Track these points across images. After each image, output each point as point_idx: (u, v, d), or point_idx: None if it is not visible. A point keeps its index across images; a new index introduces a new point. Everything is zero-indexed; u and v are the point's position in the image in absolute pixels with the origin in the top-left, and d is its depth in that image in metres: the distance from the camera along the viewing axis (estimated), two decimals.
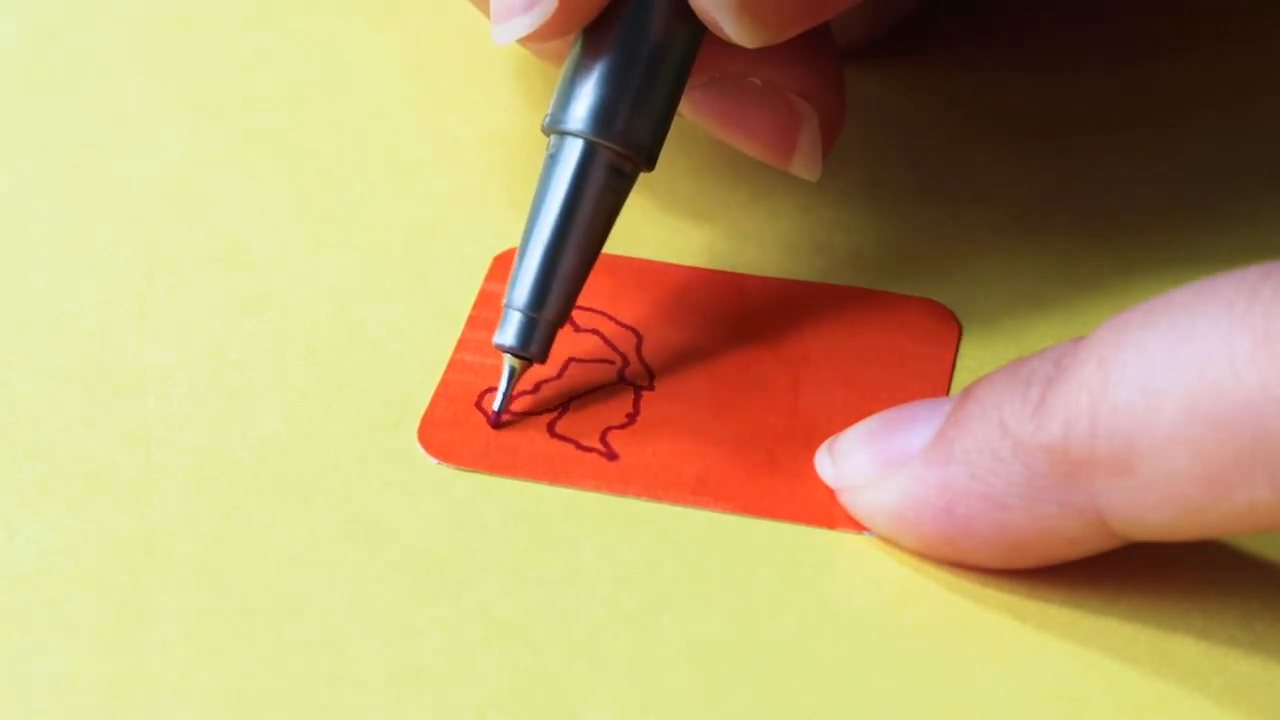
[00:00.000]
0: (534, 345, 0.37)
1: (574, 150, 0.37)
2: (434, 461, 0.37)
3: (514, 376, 0.38)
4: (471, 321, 0.40)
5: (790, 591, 0.35)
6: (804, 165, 0.40)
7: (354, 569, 0.35)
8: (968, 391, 0.34)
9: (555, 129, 0.37)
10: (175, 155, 0.44)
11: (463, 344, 0.39)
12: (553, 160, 0.37)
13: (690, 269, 0.41)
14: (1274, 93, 0.45)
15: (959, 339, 0.39)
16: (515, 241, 0.41)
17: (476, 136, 0.44)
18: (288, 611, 0.34)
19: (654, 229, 0.42)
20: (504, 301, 0.37)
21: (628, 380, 0.39)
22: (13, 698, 0.33)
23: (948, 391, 0.38)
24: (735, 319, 0.40)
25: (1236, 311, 0.31)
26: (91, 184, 0.43)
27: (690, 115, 0.40)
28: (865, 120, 0.44)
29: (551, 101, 0.38)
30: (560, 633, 0.34)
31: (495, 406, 0.38)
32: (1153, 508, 0.32)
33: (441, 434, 0.37)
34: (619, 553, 0.35)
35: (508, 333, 0.37)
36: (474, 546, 0.36)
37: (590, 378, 0.39)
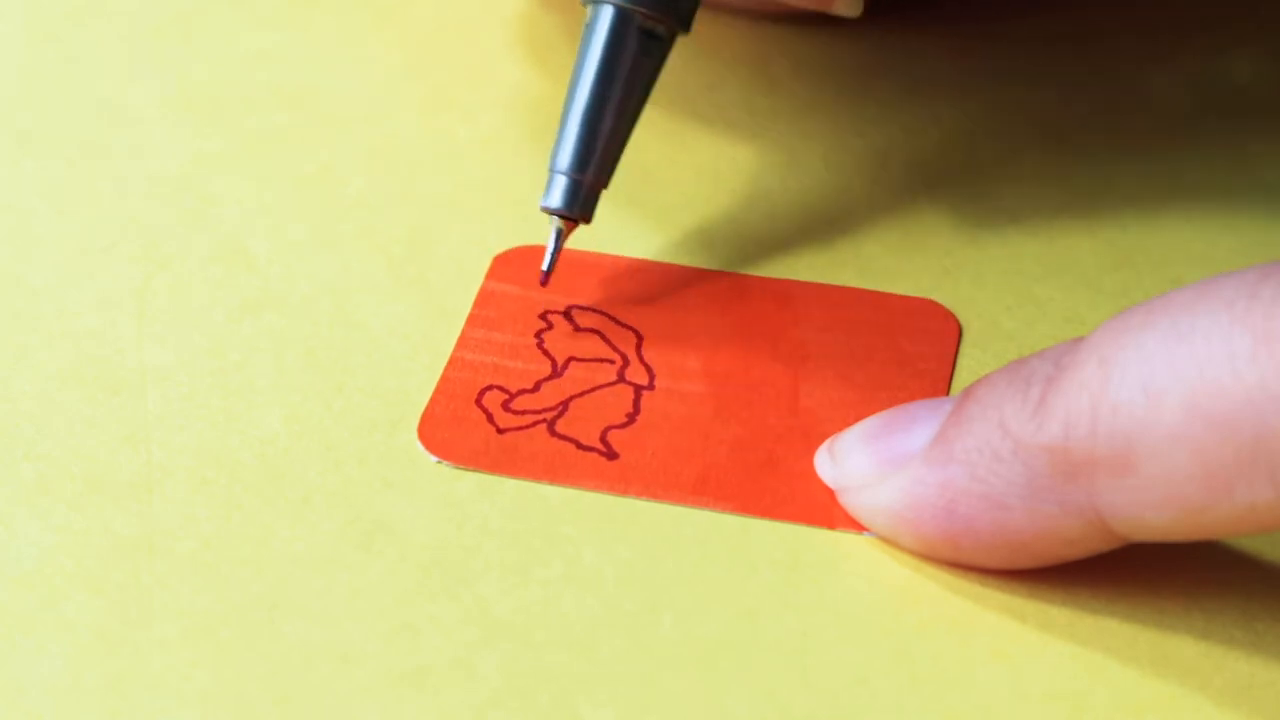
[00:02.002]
0: (578, 206, 0.39)
1: (606, 17, 0.39)
2: (434, 459, 0.37)
3: (561, 237, 0.39)
4: (472, 320, 0.40)
5: (790, 591, 0.35)
6: (846, 3, 0.41)
7: (354, 569, 0.35)
8: (968, 391, 0.34)
9: None
10: (175, 155, 0.44)
11: (463, 342, 0.39)
12: (588, 29, 0.39)
13: (690, 269, 0.41)
14: (1277, 91, 0.45)
15: (959, 339, 0.39)
16: (515, 242, 0.41)
17: (476, 136, 0.44)
18: (288, 611, 0.34)
19: (654, 229, 0.42)
20: (548, 166, 0.39)
21: (628, 379, 0.39)
22: (13, 698, 0.33)
23: (948, 391, 0.38)
24: (735, 319, 0.40)
25: (1237, 311, 0.31)
26: (91, 184, 0.43)
27: None
28: (865, 119, 0.44)
29: None
30: (560, 633, 0.34)
31: (544, 266, 0.39)
32: (1153, 507, 0.32)
33: (442, 432, 0.37)
34: (619, 553, 0.35)
35: (554, 196, 0.39)
36: (474, 546, 0.36)
37: (590, 378, 0.39)
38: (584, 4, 0.39)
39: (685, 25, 0.39)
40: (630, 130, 0.39)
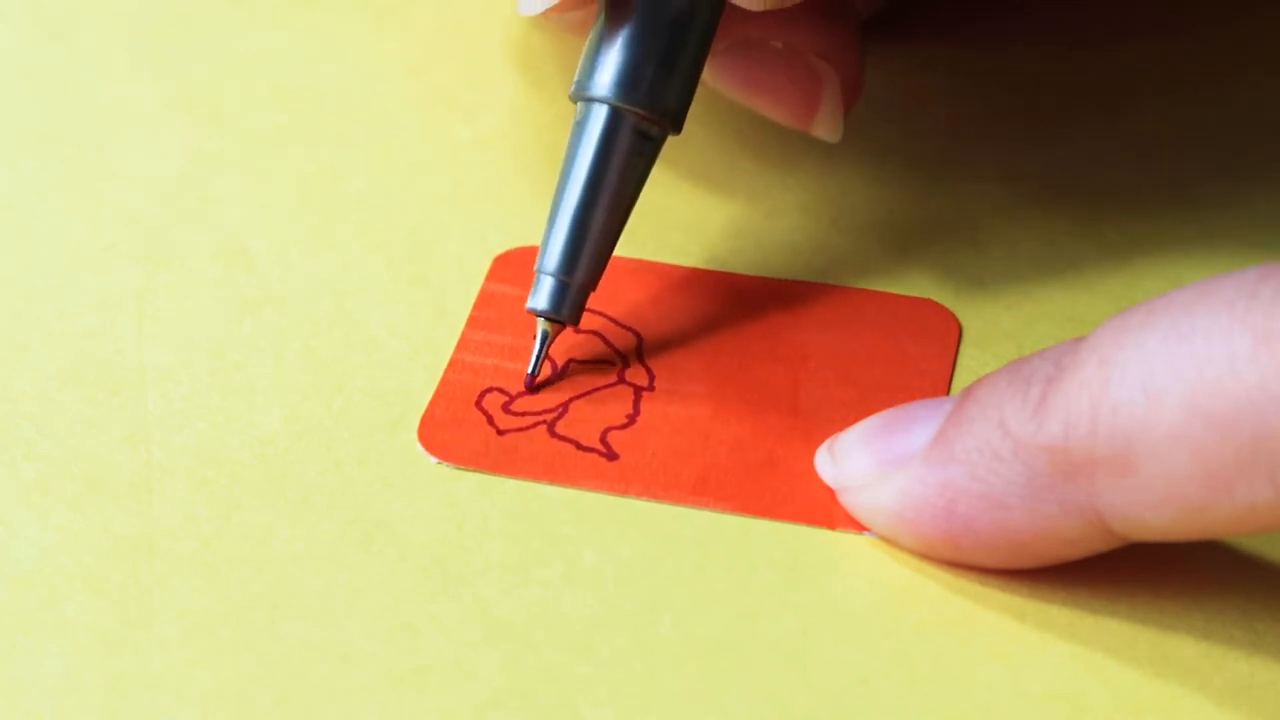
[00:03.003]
0: (566, 309, 0.38)
1: (600, 116, 0.38)
2: (434, 461, 0.37)
3: (547, 340, 0.38)
4: (472, 321, 0.40)
5: (790, 591, 0.35)
6: (825, 127, 0.41)
7: (354, 569, 0.35)
8: (968, 391, 0.34)
9: (581, 96, 0.38)
10: (175, 155, 0.44)
11: (463, 344, 0.39)
12: (580, 127, 0.38)
13: (690, 269, 0.41)
14: (1278, 91, 0.45)
15: (959, 339, 0.39)
16: (515, 242, 0.41)
17: (476, 136, 0.44)
18: (288, 611, 0.34)
19: (654, 229, 0.42)
20: (535, 267, 0.38)
21: (628, 380, 0.39)
22: (13, 698, 0.33)
23: (948, 391, 0.38)
24: (735, 319, 0.40)
25: (1237, 311, 0.31)
26: (91, 184, 0.43)
27: (713, 81, 0.40)
28: (865, 119, 0.44)
29: (578, 69, 0.38)
30: (560, 633, 0.34)
31: (530, 369, 0.38)
32: (1153, 507, 0.32)
33: (442, 433, 0.37)
34: (619, 553, 0.35)
35: (540, 297, 0.38)
36: (474, 546, 0.36)
37: (590, 378, 0.39)
38: (574, 100, 0.38)
39: (677, 126, 0.38)
40: (620, 230, 0.38)
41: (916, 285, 0.41)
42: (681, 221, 0.42)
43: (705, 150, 0.44)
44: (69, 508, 0.36)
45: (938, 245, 0.42)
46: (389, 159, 0.44)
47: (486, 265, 0.41)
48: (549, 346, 0.38)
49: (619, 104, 0.38)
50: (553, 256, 0.38)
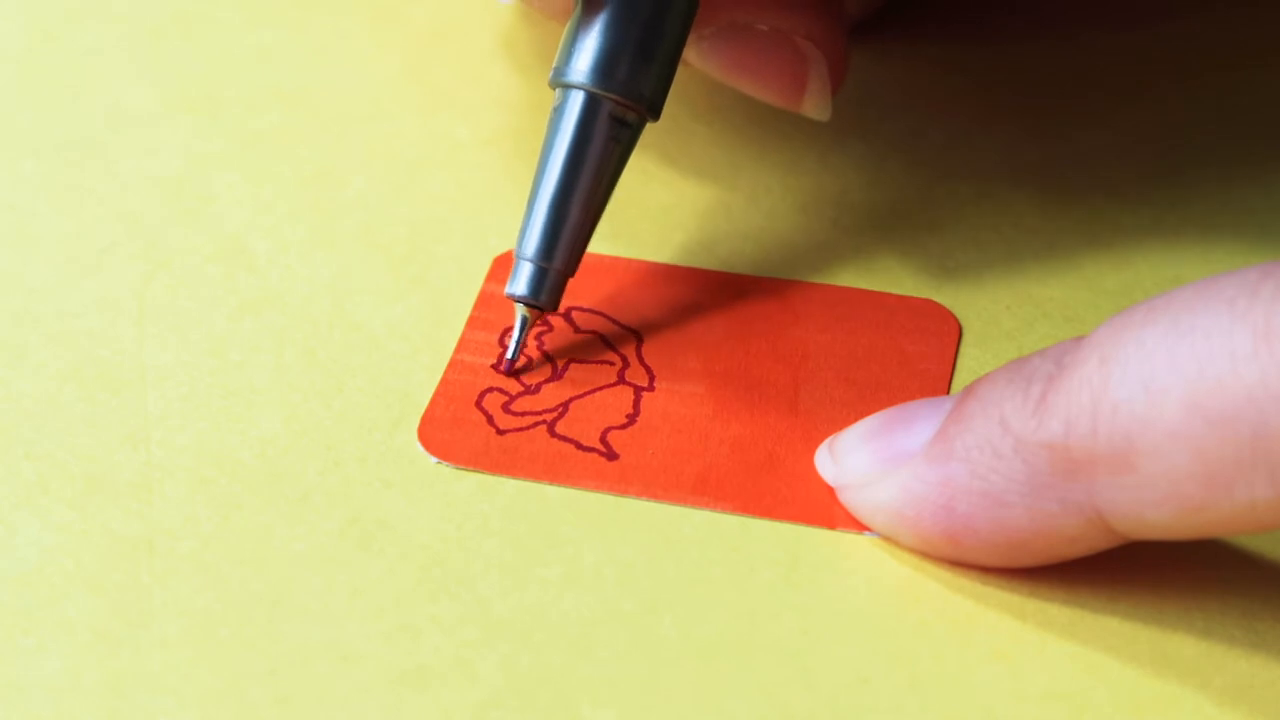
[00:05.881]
0: (544, 294, 0.38)
1: (576, 102, 0.38)
2: (434, 461, 0.37)
3: (526, 326, 0.39)
4: (472, 322, 0.40)
5: (790, 591, 0.35)
6: (814, 107, 0.41)
7: (354, 569, 0.35)
8: (969, 389, 0.34)
9: (559, 82, 0.38)
10: (175, 155, 0.44)
11: (463, 344, 0.39)
12: (557, 113, 0.38)
13: (690, 269, 0.41)
14: (1277, 91, 0.45)
15: (959, 339, 0.39)
16: (515, 242, 0.41)
17: (476, 136, 0.44)
18: (288, 611, 0.34)
19: (654, 229, 0.42)
20: (514, 252, 0.38)
21: (628, 380, 0.39)
22: (13, 698, 0.33)
23: (948, 391, 0.38)
24: (735, 319, 0.40)
25: (1237, 309, 0.31)
26: (91, 184, 0.43)
27: (700, 65, 0.41)
28: (865, 118, 0.44)
29: (556, 56, 0.38)
30: (560, 633, 0.34)
31: (509, 354, 0.39)
32: (1153, 506, 0.32)
33: (442, 433, 0.37)
34: (619, 553, 0.35)
35: (519, 283, 0.38)
36: (474, 546, 0.36)
37: (590, 378, 0.39)
38: (552, 87, 0.39)
39: (655, 113, 0.39)
40: (599, 216, 0.38)
41: (916, 285, 0.41)
42: (682, 221, 0.42)
43: (706, 150, 0.44)
44: (69, 508, 0.36)
45: (938, 245, 0.42)
46: (389, 159, 0.44)
47: (486, 265, 0.41)
48: (529, 332, 0.39)
49: (596, 90, 0.38)
50: (531, 242, 0.38)
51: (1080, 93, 0.45)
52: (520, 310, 0.39)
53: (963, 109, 0.45)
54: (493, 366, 0.39)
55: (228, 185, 0.43)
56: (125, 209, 0.42)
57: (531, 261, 0.38)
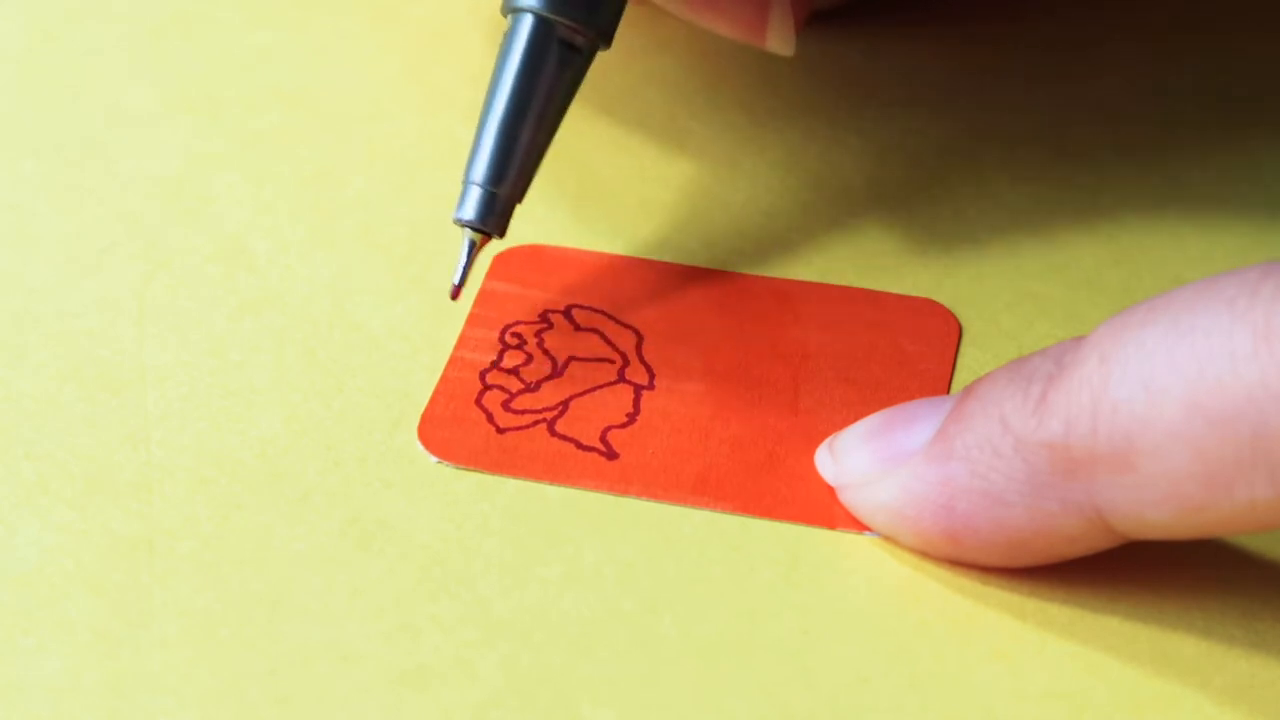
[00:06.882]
0: (492, 220, 0.38)
1: (526, 25, 0.38)
2: (434, 459, 0.37)
3: (473, 250, 0.38)
4: (472, 319, 0.40)
5: (790, 591, 0.35)
6: (777, 41, 0.41)
7: (354, 569, 0.35)
8: (969, 389, 0.34)
9: (510, 7, 0.38)
10: (175, 155, 0.44)
11: (463, 341, 0.39)
12: (508, 39, 0.38)
13: (690, 268, 0.41)
14: (1277, 91, 0.45)
15: (959, 339, 0.39)
16: (515, 240, 0.41)
17: None
18: (288, 611, 0.34)
19: (653, 229, 0.42)
20: (463, 177, 0.38)
21: (628, 379, 0.39)
22: (13, 698, 0.33)
23: (948, 391, 0.38)
24: (735, 319, 0.40)
25: (1237, 309, 0.31)
26: (91, 184, 0.43)
27: (663, 2, 0.40)
28: (865, 120, 0.44)
29: None
30: (560, 632, 0.34)
31: (455, 280, 0.38)
32: (1153, 505, 0.32)
33: (442, 432, 0.37)
34: (619, 552, 0.35)
35: (467, 208, 0.38)
36: (474, 546, 0.36)
37: (590, 377, 0.39)
38: (504, 14, 0.39)
39: (606, 39, 0.38)
40: (548, 143, 0.38)
41: (916, 285, 0.41)
42: (681, 220, 0.42)
43: (706, 149, 0.44)
44: (69, 508, 0.36)
45: (938, 245, 0.42)
46: (389, 159, 0.44)
47: (486, 264, 0.41)
48: (475, 258, 0.38)
49: (545, 13, 0.38)
50: (479, 167, 0.38)
51: (1080, 92, 0.45)
52: (467, 235, 0.38)
53: (963, 109, 0.45)
54: (451, 297, 0.38)
55: (228, 185, 0.43)
56: (125, 209, 0.42)
57: (480, 186, 0.38)
